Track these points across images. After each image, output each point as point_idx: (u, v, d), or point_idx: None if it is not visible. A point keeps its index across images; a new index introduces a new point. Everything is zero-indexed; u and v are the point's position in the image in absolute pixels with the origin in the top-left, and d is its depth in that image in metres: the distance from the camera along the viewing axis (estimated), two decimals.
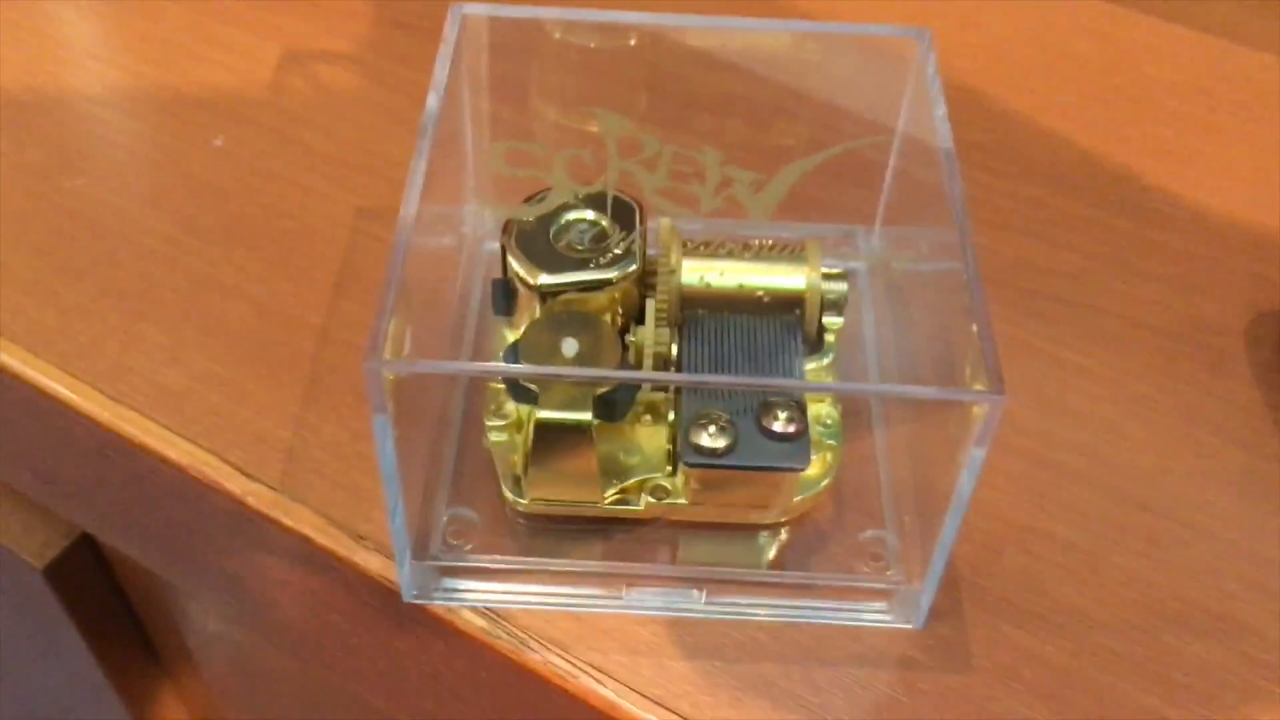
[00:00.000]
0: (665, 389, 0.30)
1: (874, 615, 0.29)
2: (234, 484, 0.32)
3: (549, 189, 0.30)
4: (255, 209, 0.39)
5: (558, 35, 0.36)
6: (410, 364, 0.26)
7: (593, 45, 0.36)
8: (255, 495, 0.31)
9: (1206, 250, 0.39)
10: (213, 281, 0.37)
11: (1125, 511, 0.32)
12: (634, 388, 0.29)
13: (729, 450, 0.28)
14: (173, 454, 0.32)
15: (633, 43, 0.37)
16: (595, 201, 0.30)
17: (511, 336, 0.32)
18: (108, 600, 0.48)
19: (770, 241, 0.31)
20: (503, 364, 0.29)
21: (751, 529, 0.30)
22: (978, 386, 0.24)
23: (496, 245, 0.35)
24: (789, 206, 0.36)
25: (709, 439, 0.28)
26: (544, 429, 0.28)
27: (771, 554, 0.30)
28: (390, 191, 0.39)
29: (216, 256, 0.37)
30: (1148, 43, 0.46)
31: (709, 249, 0.31)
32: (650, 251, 0.30)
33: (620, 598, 0.29)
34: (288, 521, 0.31)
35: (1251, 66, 0.45)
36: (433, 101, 0.30)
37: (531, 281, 0.29)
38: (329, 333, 0.35)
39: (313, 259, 0.37)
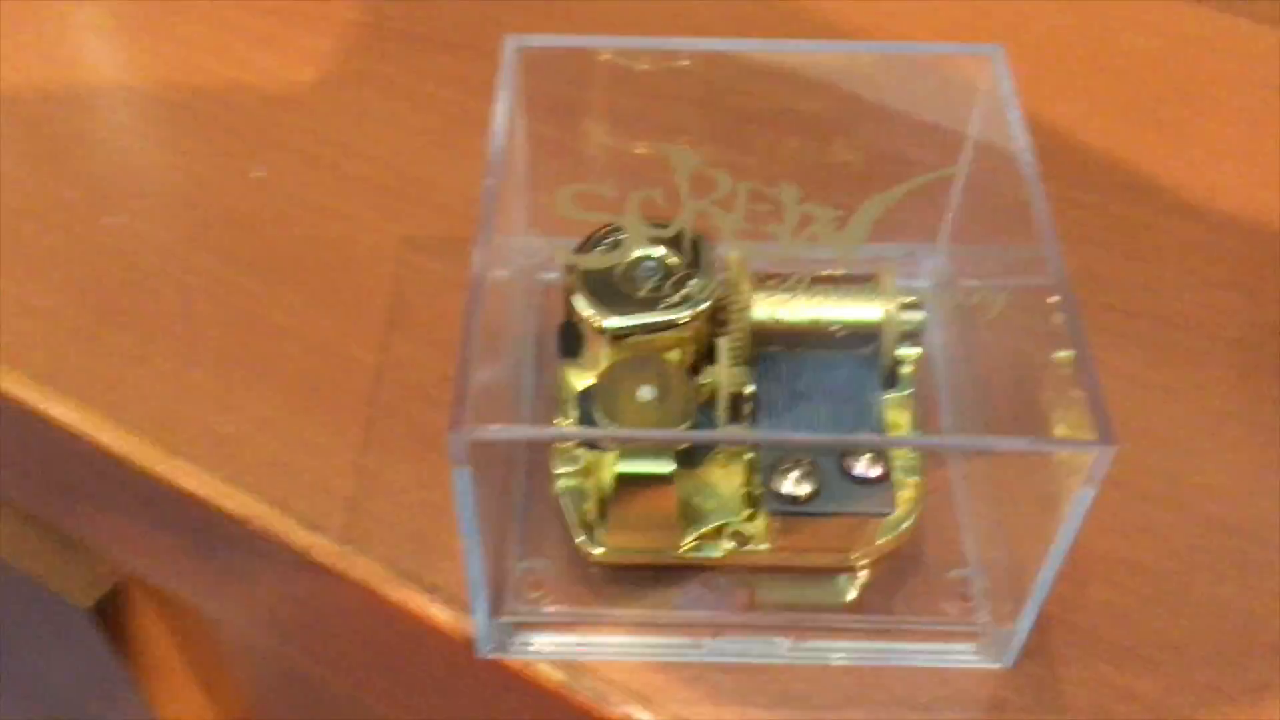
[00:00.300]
0: (741, 424, 0.30)
1: (963, 656, 0.28)
2: (297, 537, 0.31)
3: (612, 226, 0.29)
4: (299, 241, 0.38)
5: (606, 58, 0.35)
6: (500, 431, 0.25)
7: (644, 68, 0.35)
8: (319, 548, 0.31)
9: (1274, 255, 0.38)
10: (260, 320, 0.36)
11: (1213, 536, 0.31)
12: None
13: (813, 496, 0.27)
14: (231, 506, 0.32)
15: (685, 63, 0.35)
16: (671, 239, 0.29)
17: (575, 376, 0.31)
18: (158, 638, 0.47)
19: (840, 270, 0.30)
20: (585, 429, 0.28)
21: (832, 571, 0.29)
22: (1085, 434, 0.23)
23: (553, 275, 0.34)
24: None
25: (792, 485, 0.27)
26: (625, 480, 0.27)
27: (854, 596, 0.29)
28: (435, 218, 0.39)
29: (262, 293, 0.36)
30: (1206, 37, 0.45)
31: (779, 282, 0.30)
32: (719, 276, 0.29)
33: (702, 646, 0.28)
34: (354, 574, 0.30)
35: None
36: (498, 141, 0.29)
37: (599, 325, 0.28)
38: (383, 372, 0.34)
39: (361, 293, 0.36)
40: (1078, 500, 0.24)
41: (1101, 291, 0.37)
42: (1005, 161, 0.29)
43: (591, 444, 0.28)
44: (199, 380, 0.34)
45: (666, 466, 0.27)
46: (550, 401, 0.32)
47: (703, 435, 0.27)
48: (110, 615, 0.45)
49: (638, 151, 0.31)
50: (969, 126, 0.32)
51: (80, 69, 0.43)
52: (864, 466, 0.27)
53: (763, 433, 0.28)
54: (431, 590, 0.30)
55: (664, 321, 0.29)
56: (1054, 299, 0.25)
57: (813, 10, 0.46)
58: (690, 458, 0.27)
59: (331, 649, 0.35)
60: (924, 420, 0.32)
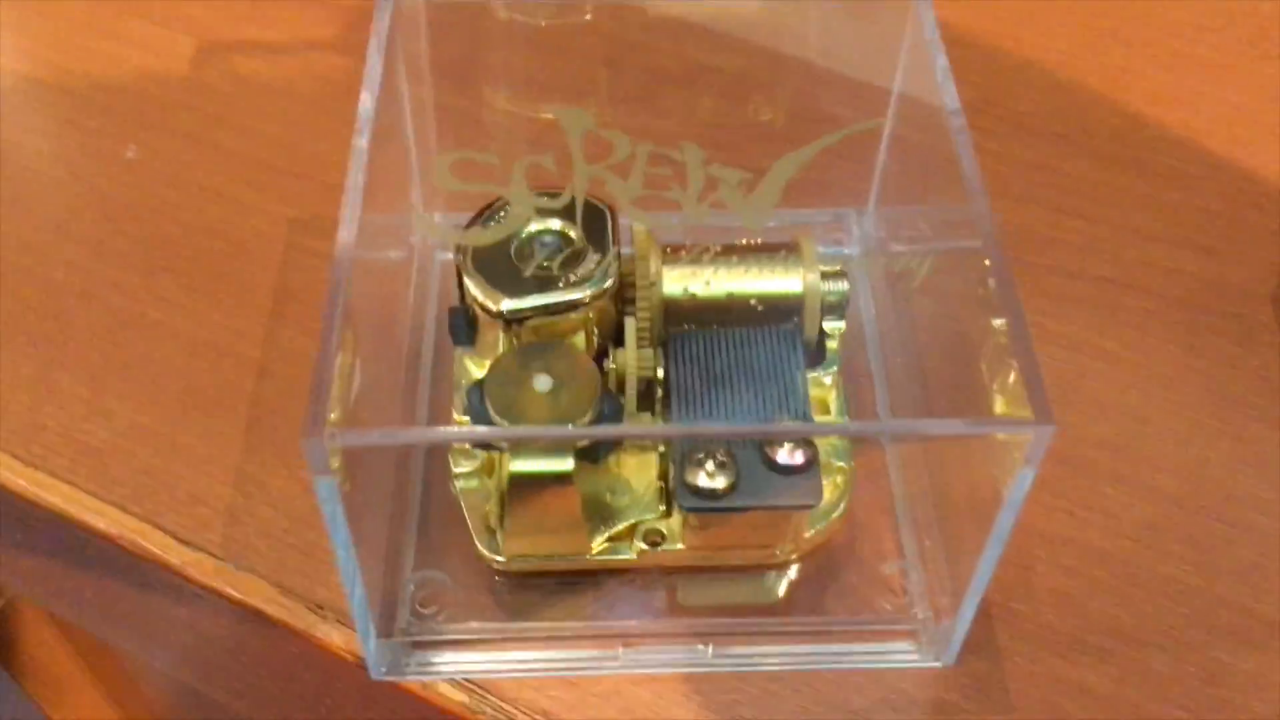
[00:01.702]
0: (653, 413, 0.27)
1: (900, 656, 0.26)
2: (172, 555, 0.28)
3: (502, 200, 0.26)
4: (176, 228, 0.35)
5: (503, 14, 0.32)
6: (357, 436, 0.22)
7: (543, 23, 0.32)
8: (196, 565, 0.28)
9: (1224, 207, 0.36)
10: (133, 316, 0.33)
11: (1162, 512, 0.29)
12: (618, 423, 0.25)
13: (730, 489, 0.24)
14: (100, 523, 0.29)
15: (588, 17, 0.33)
16: (571, 209, 0.26)
17: (474, 364, 0.28)
18: (56, 653, 0.44)
19: (758, 240, 0.28)
20: (465, 429, 0.25)
21: (758, 568, 0.27)
22: (1021, 413, 0.21)
23: (450, 255, 0.31)
24: None
25: (707, 478, 0.24)
26: (519, 481, 0.24)
27: (782, 594, 0.27)
28: (325, 197, 0.35)
29: (136, 287, 0.33)
30: None
31: (690, 254, 0.27)
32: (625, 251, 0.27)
33: (616, 657, 0.26)
34: (235, 593, 0.27)
35: None
36: (367, 101, 0.26)
37: (493, 308, 0.26)
38: (268, 367, 0.31)
39: (244, 282, 0.33)
40: (1016, 484, 0.21)
41: (1041, 252, 0.35)
42: (933, 116, 0.27)
43: (482, 444, 0.25)
44: (66, 385, 0.31)
45: (565, 464, 0.24)
46: (448, 390, 0.29)
47: (595, 432, 0.24)
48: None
49: (533, 115, 0.28)
50: (894, 79, 0.30)
51: None
52: (787, 454, 0.25)
53: (668, 427, 0.25)
54: (319, 609, 0.27)
55: (564, 302, 0.26)
56: (986, 263, 0.23)
57: None
58: (594, 452, 0.25)
59: (223, 672, 0.32)
60: (854, 397, 0.30)
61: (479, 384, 0.25)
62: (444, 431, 0.26)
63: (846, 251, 0.33)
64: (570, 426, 0.24)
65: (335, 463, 0.21)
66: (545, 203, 0.24)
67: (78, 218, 0.35)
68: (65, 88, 0.38)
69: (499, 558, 0.26)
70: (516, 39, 0.32)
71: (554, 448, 0.24)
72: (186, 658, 0.33)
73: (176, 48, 0.39)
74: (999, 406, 0.23)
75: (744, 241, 0.27)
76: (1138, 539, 0.29)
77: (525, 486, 0.24)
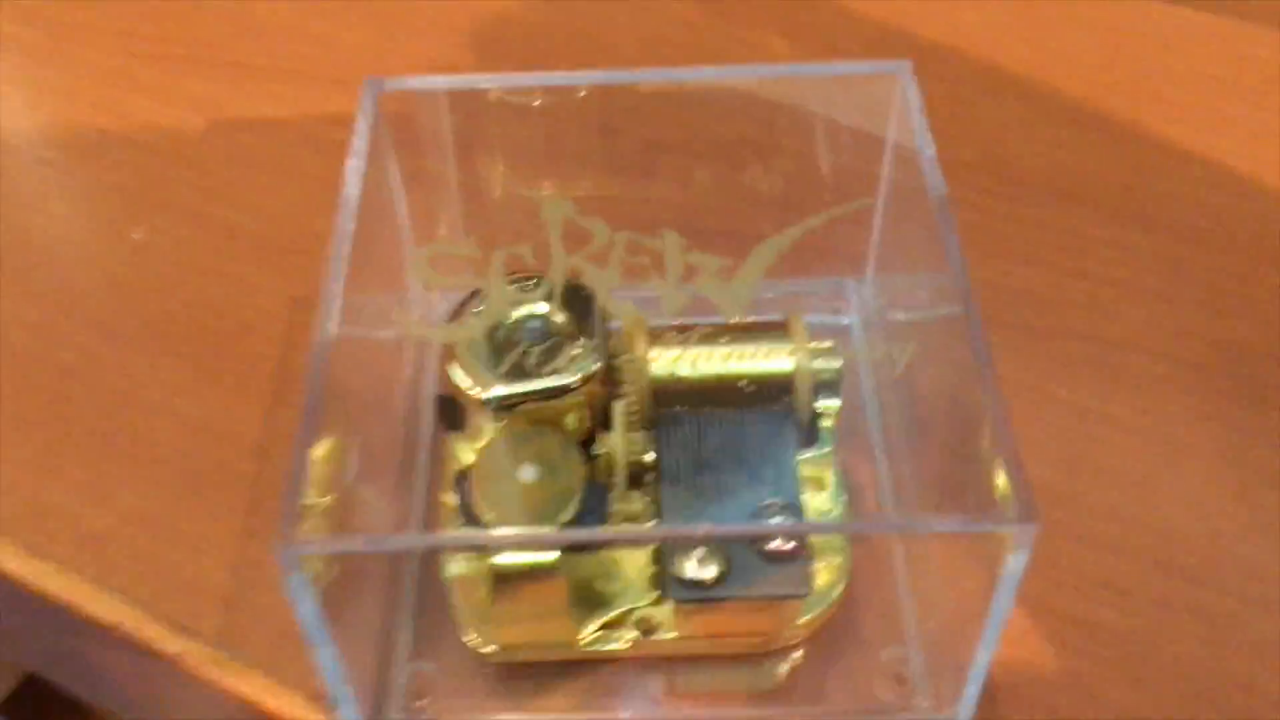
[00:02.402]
0: (643, 490, 0.27)
1: None
2: (167, 643, 0.28)
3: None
4: (179, 307, 0.35)
5: (494, 96, 0.32)
6: (327, 543, 0.22)
7: (537, 103, 0.32)
8: (192, 654, 0.28)
9: (1234, 264, 0.35)
10: (135, 399, 0.33)
11: (1175, 588, 0.28)
12: (604, 513, 0.25)
13: (720, 579, 0.24)
14: (98, 610, 0.29)
15: (582, 94, 0.33)
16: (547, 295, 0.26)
17: (464, 449, 0.28)
18: None
19: (749, 318, 0.27)
20: (432, 535, 0.25)
21: (755, 655, 0.26)
22: (1006, 512, 0.21)
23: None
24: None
25: (696, 568, 0.24)
26: (504, 573, 0.24)
27: (781, 681, 0.26)
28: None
29: (140, 369, 0.34)
30: (1147, 29, 0.42)
31: (680, 335, 0.27)
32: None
33: None
34: (230, 683, 0.27)
35: (1264, 46, 0.41)
36: (352, 190, 0.26)
37: (478, 396, 0.26)
38: (268, 450, 0.31)
39: (246, 362, 0.34)
40: (1006, 579, 0.21)
41: (1045, 314, 0.34)
42: (923, 194, 0.27)
43: (472, 524, 0.25)
44: (67, 470, 0.31)
45: (548, 556, 0.24)
46: (445, 474, 0.29)
47: (566, 537, 0.24)
48: (22, 710, 0.42)
49: (523, 193, 0.29)
50: (884, 149, 0.29)
51: None
52: (777, 542, 0.24)
53: (645, 532, 0.25)
54: (315, 699, 0.27)
55: (551, 388, 0.26)
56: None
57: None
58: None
59: None
60: (854, 470, 0.29)
61: (464, 473, 0.25)
62: (413, 538, 0.26)
63: (845, 321, 0.32)
64: (553, 524, 0.24)
65: (315, 566, 0.21)
66: (521, 294, 0.24)
67: (84, 299, 0.35)
68: (73, 169, 0.39)
69: (488, 647, 0.26)
70: (514, 118, 0.32)
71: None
72: None
73: (183, 125, 0.40)
74: (999, 487, 0.23)
75: (734, 321, 0.27)
76: (1149, 616, 0.28)
77: (510, 575, 0.24)
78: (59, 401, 0.33)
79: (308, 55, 0.42)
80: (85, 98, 0.41)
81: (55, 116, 0.41)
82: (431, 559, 0.28)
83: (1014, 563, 0.20)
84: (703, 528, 0.24)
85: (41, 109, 0.41)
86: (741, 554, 0.24)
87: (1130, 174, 0.38)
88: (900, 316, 0.31)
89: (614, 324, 0.27)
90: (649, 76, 0.31)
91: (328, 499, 0.23)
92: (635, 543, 0.25)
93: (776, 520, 0.25)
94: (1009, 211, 0.37)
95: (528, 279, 0.24)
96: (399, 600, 0.28)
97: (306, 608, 0.21)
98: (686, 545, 0.24)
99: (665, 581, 0.24)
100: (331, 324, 0.23)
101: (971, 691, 0.24)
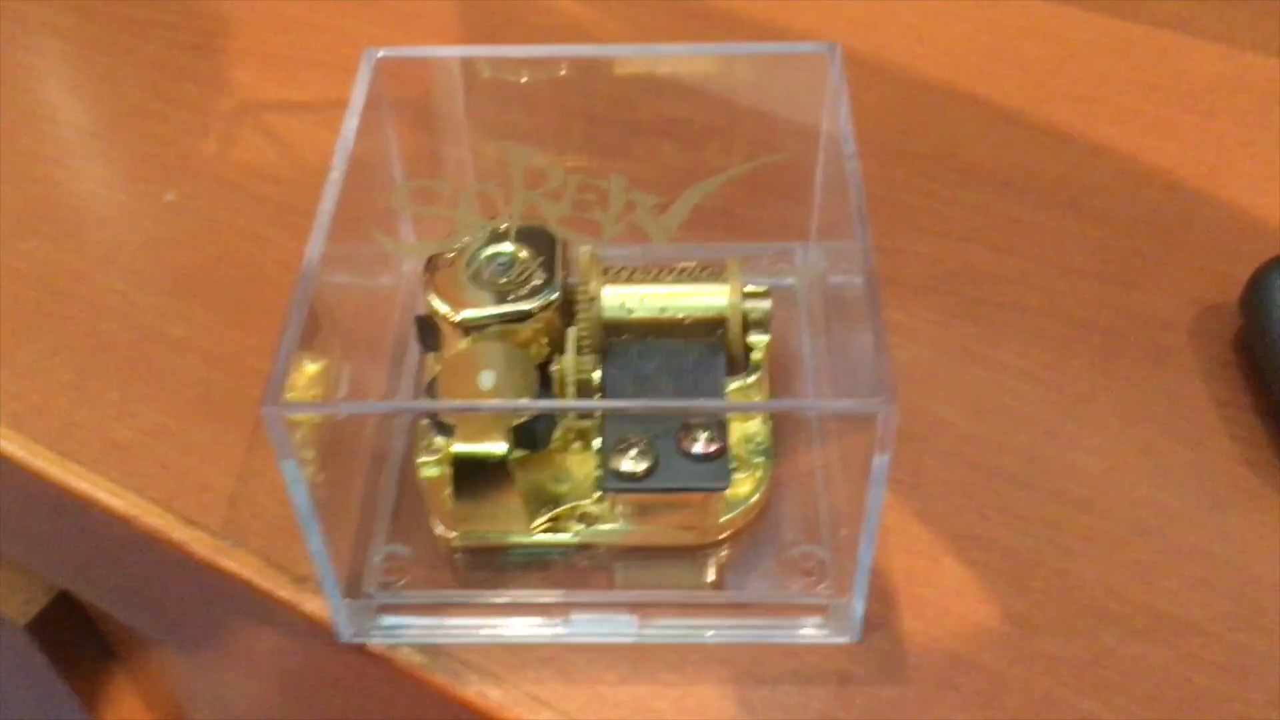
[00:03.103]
0: (591, 416, 0.31)
1: (809, 631, 0.29)
2: (177, 532, 0.32)
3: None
4: (206, 260, 0.40)
5: (487, 73, 0.36)
6: (306, 405, 0.26)
7: (523, 79, 0.37)
8: (198, 541, 0.32)
9: (1151, 247, 0.38)
10: (162, 335, 0.37)
11: (1067, 514, 0.32)
12: (553, 416, 0.29)
13: (649, 474, 0.28)
14: (119, 505, 0.33)
15: (563, 73, 0.37)
16: (525, 234, 0.30)
17: (438, 366, 0.32)
18: (94, 653, 0.49)
19: (695, 264, 0.31)
20: (402, 402, 0.29)
21: (687, 551, 0.30)
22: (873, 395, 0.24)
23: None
24: (724, 226, 0.37)
25: (629, 463, 0.28)
26: (462, 462, 0.28)
27: (707, 575, 0.30)
28: (343, 235, 0.40)
29: (167, 309, 0.38)
30: (1095, 40, 0.46)
31: (631, 275, 0.31)
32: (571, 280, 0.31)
33: (556, 627, 0.29)
34: (229, 565, 0.31)
35: (1201, 59, 0.45)
36: (345, 142, 0.31)
37: (451, 318, 0.30)
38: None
39: (263, 307, 0.38)
40: (877, 467, 0.25)
41: (979, 286, 0.38)
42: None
43: (439, 429, 0.29)
44: (99, 391, 0.36)
45: (499, 447, 0.28)
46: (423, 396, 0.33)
47: (505, 405, 0.28)
48: (47, 632, 0.46)
49: (494, 145, 0.33)
50: (821, 124, 0.33)
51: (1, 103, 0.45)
52: (701, 445, 0.28)
53: (580, 402, 0.29)
54: (301, 580, 0.31)
55: (514, 312, 0.30)
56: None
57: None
58: (532, 439, 0.28)
59: (232, 649, 0.36)
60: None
61: (432, 381, 0.29)
62: (374, 405, 0.31)
63: (790, 282, 0.36)
64: (507, 425, 0.28)
65: (296, 435, 0.25)
66: (488, 223, 0.28)
67: (119, 250, 0.40)
68: (117, 141, 0.44)
69: (451, 534, 0.30)
70: (500, 94, 0.37)
71: (489, 432, 0.27)
72: (197, 640, 0.37)
73: (217, 107, 0.45)
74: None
75: (680, 265, 0.31)
76: (1043, 538, 0.31)
77: (467, 467, 0.28)
78: (96, 335, 0.37)
79: (328, 47, 0.47)
80: (131, 81, 0.46)
81: (104, 97, 0.46)
82: (409, 466, 0.32)
83: (882, 447, 0.24)
84: (619, 402, 0.28)
85: (93, 91, 0.46)
86: (669, 454, 0.28)
87: (1067, 168, 0.41)
88: (839, 278, 0.35)
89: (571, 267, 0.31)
90: (608, 52, 0.35)
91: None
92: (573, 410, 0.29)
93: (703, 433, 0.29)
94: (954, 197, 0.41)
95: (500, 224, 0.29)
96: (378, 500, 0.32)
97: (290, 468, 0.25)
98: (623, 445, 0.28)
99: (602, 475, 0.28)
100: (321, 235, 0.27)
101: (862, 580, 0.27)
